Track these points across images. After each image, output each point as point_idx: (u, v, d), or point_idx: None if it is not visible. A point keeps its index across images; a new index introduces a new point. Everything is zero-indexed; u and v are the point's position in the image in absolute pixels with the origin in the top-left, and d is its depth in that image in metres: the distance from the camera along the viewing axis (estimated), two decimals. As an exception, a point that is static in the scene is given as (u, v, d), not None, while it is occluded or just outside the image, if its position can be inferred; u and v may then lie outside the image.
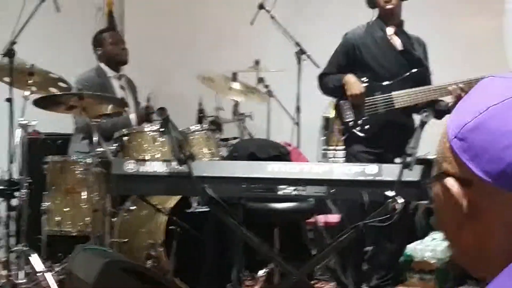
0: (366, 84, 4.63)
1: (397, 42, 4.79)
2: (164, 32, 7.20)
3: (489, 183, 0.96)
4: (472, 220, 1.01)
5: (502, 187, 0.94)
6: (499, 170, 0.95)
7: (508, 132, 0.95)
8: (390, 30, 4.79)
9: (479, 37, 6.89)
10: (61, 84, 4.97)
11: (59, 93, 4.86)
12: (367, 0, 4.81)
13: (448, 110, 4.62)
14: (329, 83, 4.76)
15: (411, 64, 4.74)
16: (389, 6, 4.72)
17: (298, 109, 6.11)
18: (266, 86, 6.15)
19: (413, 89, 4.62)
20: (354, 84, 4.62)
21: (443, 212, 1.09)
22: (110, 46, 5.77)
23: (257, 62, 6.03)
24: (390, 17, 4.78)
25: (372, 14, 4.86)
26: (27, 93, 4.74)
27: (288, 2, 6.48)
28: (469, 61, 6.22)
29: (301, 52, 6.03)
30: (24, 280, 4.69)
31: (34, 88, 4.83)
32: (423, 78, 4.74)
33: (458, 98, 4.52)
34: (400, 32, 4.82)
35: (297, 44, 6.06)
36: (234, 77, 5.92)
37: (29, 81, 4.80)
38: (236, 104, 5.87)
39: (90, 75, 5.64)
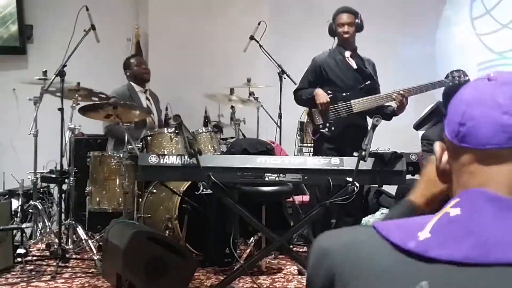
0: (330, 95, 4.62)
1: (353, 63, 4.79)
2: (179, 58, 7.16)
3: (450, 142, 0.97)
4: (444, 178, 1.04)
5: (458, 143, 0.95)
6: (454, 129, 0.95)
7: (459, 100, 0.97)
8: (347, 53, 4.79)
9: (416, 60, 6.90)
10: (100, 96, 4.96)
11: (97, 102, 4.83)
12: (329, 30, 4.81)
13: (393, 113, 4.62)
14: (302, 96, 4.75)
15: (364, 78, 4.73)
16: (346, 36, 4.73)
17: (280, 116, 6.09)
18: (256, 98, 6.13)
19: (367, 97, 4.62)
20: (322, 95, 4.60)
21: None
22: (135, 68, 5.77)
23: (249, 80, 6.00)
24: (347, 44, 4.78)
25: (333, 43, 4.85)
26: (74, 104, 4.76)
27: (273, 34, 6.45)
28: (408, 78, 6.23)
29: (282, 72, 6.00)
30: (72, 246, 4.69)
31: (79, 101, 4.82)
32: (374, 89, 4.74)
33: (401, 103, 4.52)
34: (355, 55, 4.82)
35: (279, 66, 6.03)
36: (232, 91, 5.91)
37: (75, 95, 4.80)
38: (233, 112, 5.86)
39: (122, 89, 5.65)
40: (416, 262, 0.86)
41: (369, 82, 4.70)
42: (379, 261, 0.89)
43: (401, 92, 4.53)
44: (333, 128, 4.60)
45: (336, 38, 4.82)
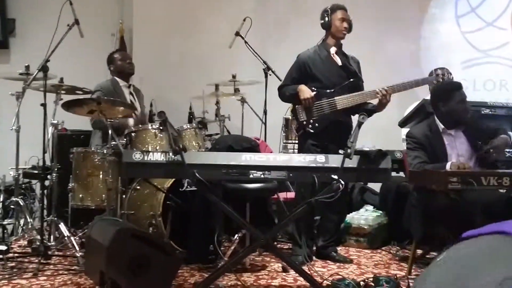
0: (315, 92, 4.60)
1: (338, 60, 4.78)
2: (164, 53, 7.14)
3: None
4: None
5: None
6: None
7: None
8: (333, 50, 4.78)
9: (401, 57, 6.93)
10: (84, 91, 4.92)
11: (81, 97, 4.78)
12: (323, 23, 4.78)
13: (374, 110, 4.62)
14: (286, 92, 4.73)
15: (348, 75, 4.72)
16: (345, 32, 4.74)
17: (265, 112, 6.09)
18: (241, 94, 6.12)
19: (351, 94, 4.62)
20: (306, 91, 4.59)
21: None
22: (119, 62, 5.74)
23: (234, 76, 5.99)
24: (339, 40, 4.77)
25: (320, 40, 4.84)
26: (57, 99, 4.72)
27: (258, 30, 6.44)
28: (393, 75, 6.25)
29: (267, 69, 6.01)
30: (54, 243, 4.65)
31: (62, 96, 4.78)
32: (358, 86, 4.74)
33: (384, 99, 4.53)
34: (340, 52, 4.81)
35: (264, 62, 6.04)
36: (217, 88, 5.89)
37: (58, 90, 4.76)
38: (218, 108, 5.84)
39: (106, 84, 5.63)
40: None
41: (353, 79, 4.70)
42: None
43: (385, 89, 4.54)
44: (317, 124, 4.59)
45: (326, 32, 4.80)
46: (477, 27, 6.86)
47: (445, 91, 4.33)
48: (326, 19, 4.76)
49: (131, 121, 5.41)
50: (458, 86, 4.33)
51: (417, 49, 6.97)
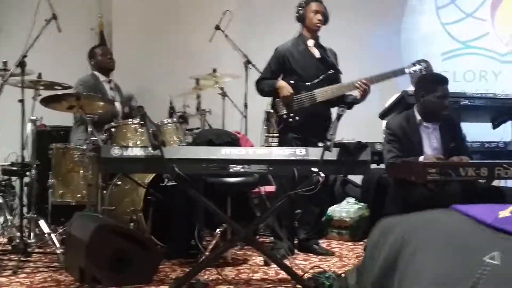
0: (293, 84, 4.60)
1: (316, 52, 4.78)
2: (143, 47, 7.11)
3: None
4: None
5: None
6: None
7: None
8: (310, 42, 4.78)
9: (382, 50, 6.93)
10: (63, 86, 4.88)
11: (60, 93, 4.74)
12: (298, 16, 4.78)
13: (355, 101, 4.63)
14: (265, 88, 4.72)
15: (326, 68, 4.73)
16: (319, 25, 4.73)
17: (245, 106, 6.10)
18: (221, 88, 6.11)
19: (330, 86, 4.63)
20: (285, 88, 4.59)
21: None
22: (100, 57, 5.71)
23: (214, 70, 5.98)
24: (314, 32, 4.77)
25: (297, 32, 4.83)
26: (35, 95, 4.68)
27: (241, 24, 6.44)
28: (374, 68, 6.26)
29: (248, 62, 6.02)
30: (34, 240, 4.62)
31: (40, 91, 4.75)
32: (336, 78, 4.75)
33: (364, 91, 4.54)
34: (317, 44, 4.81)
35: (245, 56, 6.04)
36: (197, 82, 5.87)
37: (37, 86, 4.72)
38: (199, 102, 5.83)
39: (87, 79, 5.61)
40: (491, 235, 0.87)
41: (331, 71, 4.71)
42: (453, 231, 0.89)
43: (363, 80, 4.55)
44: (297, 118, 4.60)
45: (301, 25, 4.80)
46: (457, 18, 6.89)
47: (430, 82, 4.33)
48: (301, 12, 4.76)
49: (117, 106, 5.43)
50: (444, 80, 4.34)
51: (397, 41, 6.99)
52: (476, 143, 5.11)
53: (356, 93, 4.62)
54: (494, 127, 5.34)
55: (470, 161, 3.99)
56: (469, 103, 5.03)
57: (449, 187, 3.71)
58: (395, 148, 4.22)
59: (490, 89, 6.31)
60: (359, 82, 4.55)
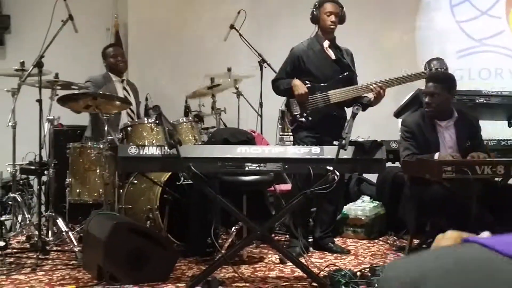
0: (308, 85, 4.60)
1: (331, 53, 4.76)
2: (159, 47, 7.14)
3: None
4: None
5: None
6: None
7: None
8: (326, 43, 4.76)
9: (396, 48, 6.93)
10: (80, 86, 4.93)
11: (77, 92, 4.79)
12: (312, 17, 4.76)
13: (370, 103, 4.62)
14: (280, 86, 4.72)
15: (342, 69, 4.72)
16: (332, 26, 4.70)
17: (261, 105, 6.10)
18: (237, 88, 6.13)
19: (344, 88, 4.61)
20: (300, 86, 4.59)
21: None
22: (111, 59, 5.70)
23: (229, 69, 6.00)
24: (329, 33, 4.75)
25: (312, 32, 4.83)
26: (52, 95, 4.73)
27: (252, 23, 6.44)
28: (388, 66, 6.26)
29: (262, 61, 6.02)
30: (52, 238, 4.66)
31: (58, 91, 4.79)
32: (351, 80, 4.73)
33: (378, 94, 4.53)
34: (333, 45, 4.80)
35: (260, 55, 6.04)
36: (212, 81, 5.89)
37: (54, 86, 4.77)
38: (214, 101, 5.85)
39: (97, 77, 5.63)
40: None
41: (347, 73, 4.69)
42: (502, 278, 0.79)
43: (379, 83, 4.53)
44: (310, 118, 4.60)
45: (316, 26, 4.79)
46: (472, 16, 6.86)
47: (426, 78, 4.39)
48: (315, 13, 4.74)
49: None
50: (431, 77, 4.34)
51: (412, 39, 6.97)
52: (493, 141, 5.09)
53: (371, 95, 4.61)
54: (510, 125, 5.31)
55: (487, 159, 3.97)
56: (484, 101, 5.01)
57: (466, 185, 3.68)
58: (412, 146, 4.21)
59: (505, 87, 6.28)
60: (374, 85, 4.52)
